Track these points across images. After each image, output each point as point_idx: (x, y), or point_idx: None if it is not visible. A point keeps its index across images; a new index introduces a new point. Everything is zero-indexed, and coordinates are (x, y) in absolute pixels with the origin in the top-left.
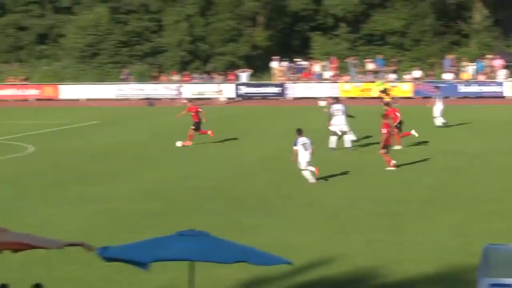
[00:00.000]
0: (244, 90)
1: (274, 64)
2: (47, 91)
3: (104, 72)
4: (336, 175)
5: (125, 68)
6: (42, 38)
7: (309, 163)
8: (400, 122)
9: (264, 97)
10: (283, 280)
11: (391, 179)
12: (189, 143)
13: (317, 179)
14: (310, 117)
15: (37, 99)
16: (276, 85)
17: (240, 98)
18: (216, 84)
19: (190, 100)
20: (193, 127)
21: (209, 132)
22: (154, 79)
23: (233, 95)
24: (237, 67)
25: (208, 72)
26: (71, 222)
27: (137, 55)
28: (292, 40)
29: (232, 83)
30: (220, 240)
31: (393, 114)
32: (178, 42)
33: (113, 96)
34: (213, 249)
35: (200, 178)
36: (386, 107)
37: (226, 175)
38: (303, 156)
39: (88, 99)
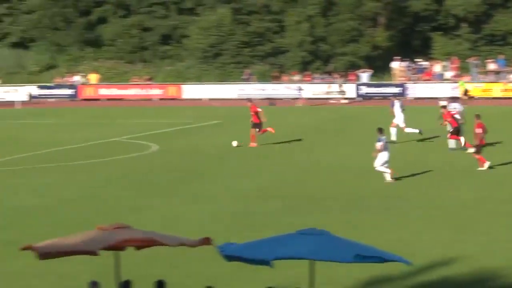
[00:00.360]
0: (364, 90)
1: (394, 64)
2: (171, 90)
3: (226, 72)
4: (445, 175)
5: (247, 68)
6: (165, 39)
7: (386, 163)
8: (458, 126)
9: (385, 97)
10: (402, 280)
11: (500, 179)
12: (254, 144)
13: (396, 178)
14: (429, 117)
15: (161, 99)
16: (396, 85)
17: (361, 98)
18: (337, 84)
19: (250, 100)
20: (253, 128)
21: (269, 129)
22: (275, 79)
23: (353, 95)
24: (358, 67)
25: (329, 72)
26: (191, 220)
27: (259, 56)
28: (413, 40)
29: (353, 83)
30: (340, 239)
31: (449, 117)
32: (299, 42)
33: (235, 96)
34: (334, 248)
35: (316, 176)
36: (442, 110)
37: (342, 174)
38: (382, 155)
39: (210, 99)
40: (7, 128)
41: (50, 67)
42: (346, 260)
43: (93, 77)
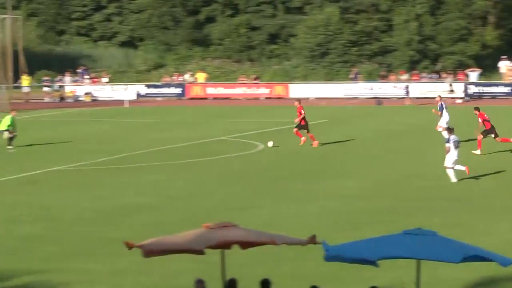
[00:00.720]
0: (473, 89)
1: (503, 64)
2: (277, 90)
3: (333, 72)
4: None
5: (354, 67)
6: (273, 38)
7: (457, 162)
8: (491, 129)
9: (494, 96)
10: (509, 281)
11: None
12: (303, 139)
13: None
14: None
15: (267, 98)
16: (506, 85)
17: (469, 98)
18: (446, 84)
19: (299, 100)
20: (299, 128)
21: (314, 143)
22: (382, 78)
23: (462, 94)
24: (466, 66)
25: (437, 72)
26: (296, 219)
27: (366, 55)
28: None
29: (461, 82)
30: (446, 239)
31: (482, 118)
32: (407, 41)
33: (341, 95)
34: (440, 248)
35: (424, 177)
36: (476, 112)
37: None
38: (452, 154)
39: (317, 98)
40: (115, 127)
41: (158, 66)
42: (452, 261)
43: (201, 76)
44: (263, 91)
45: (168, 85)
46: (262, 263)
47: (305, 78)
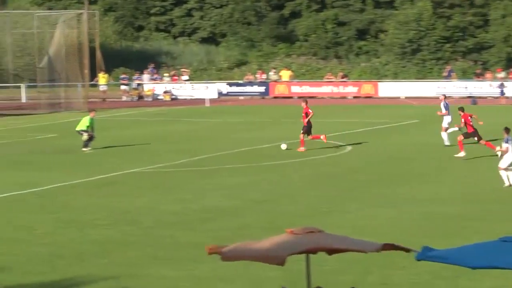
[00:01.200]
0: None
1: None
2: (366, 88)
3: (425, 69)
4: None
5: (448, 64)
6: (361, 34)
7: (511, 165)
8: (473, 132)
9: None
10: None
11: None
12: (302, 149)
13: None
14: None
15: (355, 97)
16: None
17: None
18: None
19: (306, 100)
20: (303, 132)
21: (322, 137)
22: (478, 76)
23: None
24: None
25: None
26: (386, 224)
27: (460, 51)
28: None
29: None
30: None
31: (465, 119)
32: (504, 37)
33: (433, 94)
34: None
35: None
36: (460, 112)
37: None
38: (509, 156)
39: (407, 97)
40: (196, 127)
41: (241, 63)
42: None
43: (285, 74)
44: (350, 89)
45: (251, 84)
46: (349, 270)
47: (396, 76)
